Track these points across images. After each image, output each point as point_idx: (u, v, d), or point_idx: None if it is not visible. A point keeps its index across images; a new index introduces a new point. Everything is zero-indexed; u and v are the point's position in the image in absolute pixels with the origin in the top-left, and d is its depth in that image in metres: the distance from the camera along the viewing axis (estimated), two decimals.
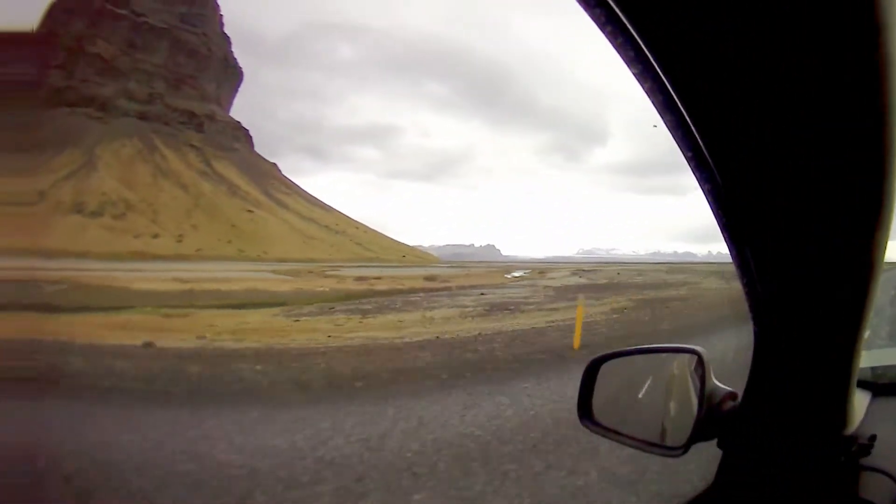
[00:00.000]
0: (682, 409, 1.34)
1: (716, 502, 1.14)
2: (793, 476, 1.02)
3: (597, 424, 1.39)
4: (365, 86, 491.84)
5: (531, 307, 20.44)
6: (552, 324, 14.31)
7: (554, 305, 20.64)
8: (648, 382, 1.48)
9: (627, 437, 1.33)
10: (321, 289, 37.15)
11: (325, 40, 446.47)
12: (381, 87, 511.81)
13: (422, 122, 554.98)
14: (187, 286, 38.57)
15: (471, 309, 20.20)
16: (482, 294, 28.59)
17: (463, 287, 35.96)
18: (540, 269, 77.53)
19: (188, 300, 28.48)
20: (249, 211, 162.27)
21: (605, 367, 1.42)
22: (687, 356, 1.38)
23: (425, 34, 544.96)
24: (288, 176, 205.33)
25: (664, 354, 1.55)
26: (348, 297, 30.93)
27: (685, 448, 1.14)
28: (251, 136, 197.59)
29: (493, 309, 19.75)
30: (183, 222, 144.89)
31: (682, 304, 19.28)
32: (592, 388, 1.42)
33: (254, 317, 19.96)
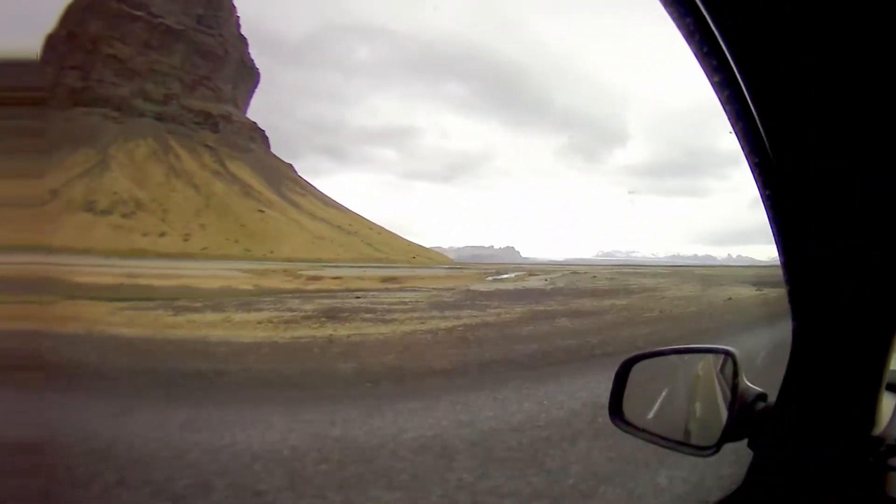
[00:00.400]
0: (708, 409, 1.41)
1: (747, 503, 1.14)
2: (822, 476, 1.02)
3: (628, 424, 1.42)
4: (384, 87, 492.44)
5: (396, 313, 18.19)
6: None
7: (430, 314, 18.13)
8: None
9: (659, 436, 1.36)
10: (246, 287, 35.54)
11: (345, 42, 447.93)
12: (400, 89, 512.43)
13: (441, 123, 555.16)
14: (128, 280, 37.55)
15: (308, 313, 18.33)
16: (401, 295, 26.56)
17: (402, 289, 34.48)
18: (538, 271, 74.16)
19: (97, 293, 26.62)
20: (261, 211, 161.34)
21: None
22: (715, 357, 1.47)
23: (444, 35, 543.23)
24: (305, 176, 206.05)
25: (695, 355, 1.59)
26: (262, 294, 29.94)
27: (716, 448, 1.17)
28: (267, 137, 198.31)
29: (335, 313, 17.90)
30: (192, 221, 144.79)
31: (579, 324, 15.23)
32: (624, 388, 1.45)
33: (124, 309, 19.10)
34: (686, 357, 1.56)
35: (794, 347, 1.01)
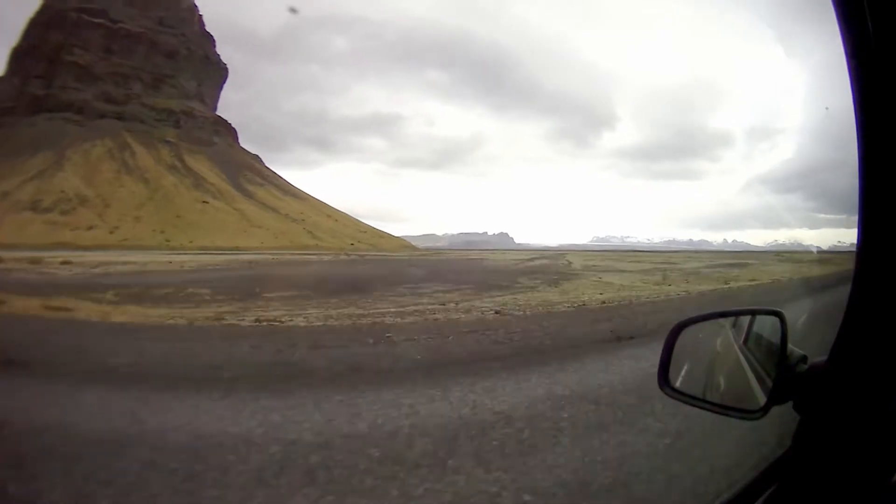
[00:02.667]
0: (734, 380, 1.49)
1: (798, 466, 1.15)
2: (874, 439, 1.03)
3: (676, 391, 1.46)
4: (365, 76, 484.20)
5: None
6: None
7: None
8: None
9: (707, 402, 1.41)
10: None
11: (321, 32, 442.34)
12: (381, 78, 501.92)
13: (425, 110, 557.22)
14: None
15: None
16: None
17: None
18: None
19: None
20: (204, 202, 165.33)
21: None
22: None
23: (420, 21, 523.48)
24: (286, 168, 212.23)
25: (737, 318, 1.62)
26: None
27: (764, 411, 1.20)
28: (235, 130, 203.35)
29: None
30: (128, 214, 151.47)
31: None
32: (671, 356, 1.48)
33: None
34: (700, 335, 1.58)
35: (849, 309, 1.01)
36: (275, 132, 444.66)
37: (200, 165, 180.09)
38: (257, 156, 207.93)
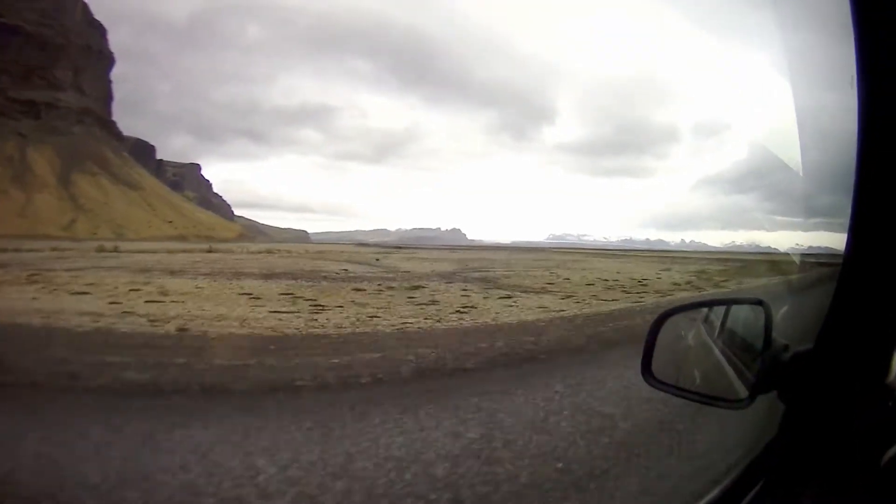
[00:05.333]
0: (711, 372, 1.50)
1: (785, 454, 1.14)
2: (862, 426, 1.03)
3: (659, 381, 1.44)
4: (287, 65, 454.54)
5: None
6: None
7: None
8: None
9: (691, 392, 1.41)
10: None
11: (231, 18, 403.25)
12: (303, 66, 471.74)
13: (355, 101, 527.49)
14: None
15: None
16: None
17: None
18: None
19: None
20: (3, 192, 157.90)
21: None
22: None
23: (333, 6, 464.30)
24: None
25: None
26: None
27: (750, 400, 1.19)
28: (106, 119, 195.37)
29: None
30: None
31: None
32: (654, 345, 1.46)
33: None
34: (674, 329, 1.54)
35: (836, 295, 1.02)
36: (207, 124, 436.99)
37: (39, 156, 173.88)
38: (120, 147, 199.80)
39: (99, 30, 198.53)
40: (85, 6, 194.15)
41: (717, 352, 1.52)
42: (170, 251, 46.27)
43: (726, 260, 48.01)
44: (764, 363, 1.16)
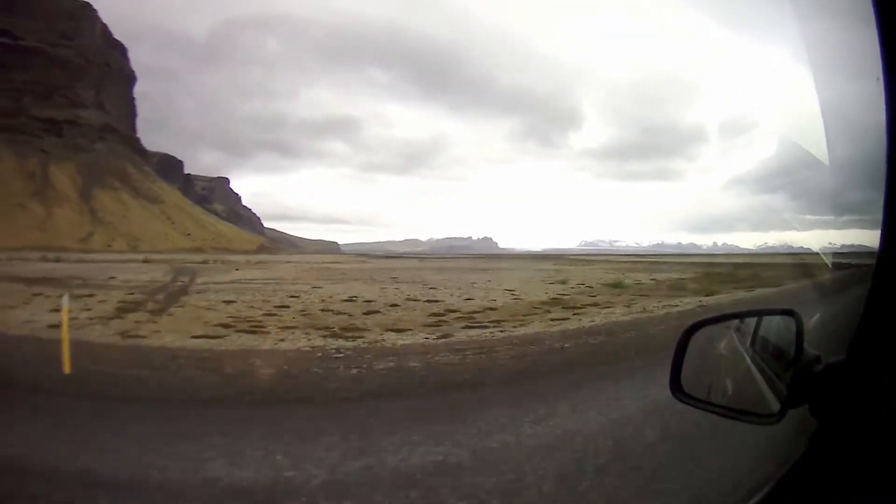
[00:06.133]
0: (742, 383, 1.47)
1: (815, 474, 1.09)
2: (892, 444, 0.98)
3: (688, 396, 1.42)
4: (308, 78, 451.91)
5: None
6: None
7: None
8: None
9: (722, 407, 1.38)
10: None
11: (248, 35, 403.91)
12: (324, 78, 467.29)
13: (378, 112, 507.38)
14: None
15: None
16: None
17: None
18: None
19: None
20: (22, 207, 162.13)
21: None
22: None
23: (346, 17, 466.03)
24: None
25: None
26: None
27: (780, 415, 1.16)
28: (128, 136, 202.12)
29: None
30: None
31: None
32: (683, 359, 1.43)
33: None
34: (704, 338, 1.50)
35: (868, 305, 0.96)
36: (234, 138, 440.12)
37: (60, 172, 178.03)
38: (141, 161, 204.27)
39: (119, 49, 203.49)
40: (104, 27, 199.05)
41: (749, 362, 1.47)
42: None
43: (721, 264, 46.46)
44: (794, 376, 1.10)
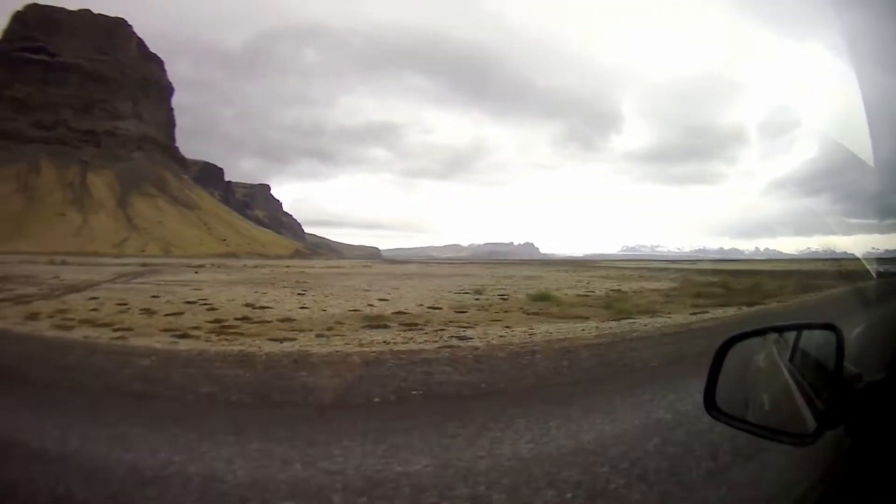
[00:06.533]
0: (779, 399, 1.41)
1: (851, 496, 1.06)
2: None
3: (722, 413, 1.39)
4: (347, 86, 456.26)
5: None
6: None
7: None
8: None
9: (755, 426, 1.34)
10: None
11: (286, 45, 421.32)
12: (364, 86, 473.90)
13: (418, 117, 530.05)
14: None
15: None
16: None
17: None
18: None
19: None
20: (62, 214, 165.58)
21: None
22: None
23: (384, 27, 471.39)
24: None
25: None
26: None
27: (815, 436, 1.11)
28: (166, 145, 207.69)
29: None
30: None
31: None
32: (718, 375, 1.41)
33: None
34: (743, 350, 1.49)
35: None
36: (275, 145, 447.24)
37: (99, 181, 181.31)
38: (180, 169, 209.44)
39: (156, 62, 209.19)
40: (140, 42, 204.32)
41: (787, 377, 1.41)
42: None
43: (740, 271, 41.35)
44: (832, 395, 1.06)
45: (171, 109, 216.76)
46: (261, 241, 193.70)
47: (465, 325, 12.16)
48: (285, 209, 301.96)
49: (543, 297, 18.80)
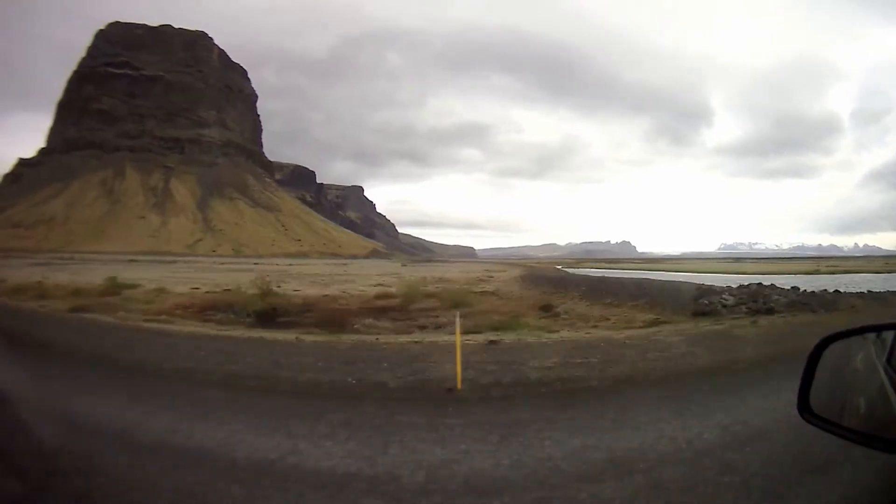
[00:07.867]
0: (876, 402, 1.32)
1: None
2: None
3: (816, 417, 1.34)
4: (433, 87, 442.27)
5: None
6: None
7: None
8: None
9: (850, 431, 1.29)
10: None
11: (369, 50, 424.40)
12: (449, 87, 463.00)
13: (506, 117, 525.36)
14: None
15: None
16: None
17: None
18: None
19: None
20: (142, 217, 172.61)
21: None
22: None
23: (469, 27, 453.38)
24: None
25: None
26: None
27: None
28: (251, 150, 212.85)
29: None
30: (61, 227, 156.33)
31: None
32: (813, 376, 1.36)
33: None
34: (837, 352, 1.42)
35: None
36: (366, 148, 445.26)
37: (180, 186, 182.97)
38: (265, 173, 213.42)
39: (238, 71, 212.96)
40: (221, 52, 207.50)
41: (884, 379, 1.32)
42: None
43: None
44: None
45: (258, 116, 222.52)
46: (338, 241, 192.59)
47: None
48: (379, 210, 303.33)
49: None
